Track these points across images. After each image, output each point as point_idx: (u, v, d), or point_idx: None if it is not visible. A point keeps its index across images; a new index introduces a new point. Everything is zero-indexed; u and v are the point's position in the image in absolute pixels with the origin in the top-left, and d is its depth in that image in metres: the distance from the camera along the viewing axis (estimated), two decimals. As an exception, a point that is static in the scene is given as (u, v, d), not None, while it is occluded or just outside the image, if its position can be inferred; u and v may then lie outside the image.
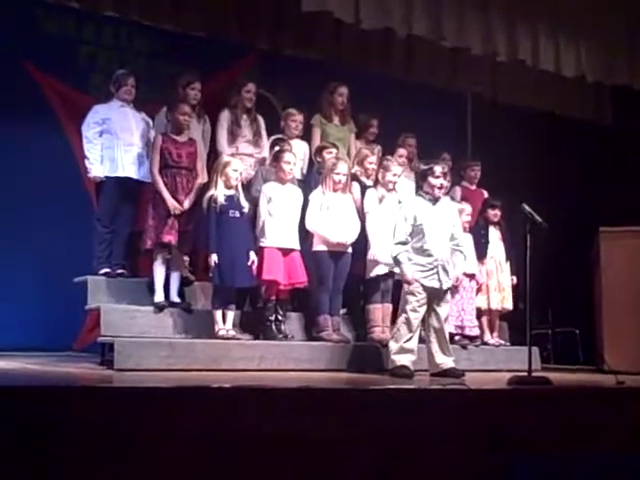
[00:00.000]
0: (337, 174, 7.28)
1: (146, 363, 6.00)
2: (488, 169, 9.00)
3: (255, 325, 7.09)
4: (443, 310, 6.69)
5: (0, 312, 7.55)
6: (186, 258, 7.16)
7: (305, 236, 7.31)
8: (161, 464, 3.77)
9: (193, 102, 7.46)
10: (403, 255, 6.58)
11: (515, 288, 8.36)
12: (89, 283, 6.88)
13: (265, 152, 7.71)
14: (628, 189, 9.56)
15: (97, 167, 7.26)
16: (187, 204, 6.93)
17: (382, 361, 6.88)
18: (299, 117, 7.88)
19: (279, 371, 6.47)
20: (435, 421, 4.57)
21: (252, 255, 6.81)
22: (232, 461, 3.91)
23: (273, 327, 7.05)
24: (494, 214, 8.42)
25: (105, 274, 7.03)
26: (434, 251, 6.59)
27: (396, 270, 6.99)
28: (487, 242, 8.33)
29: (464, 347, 7.83)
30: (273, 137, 7.82)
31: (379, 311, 7.36)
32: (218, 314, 6.70)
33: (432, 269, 6.56)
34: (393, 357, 6.55)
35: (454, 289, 7.17)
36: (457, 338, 7.85)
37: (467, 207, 8.14)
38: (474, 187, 8.91)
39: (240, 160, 7.20)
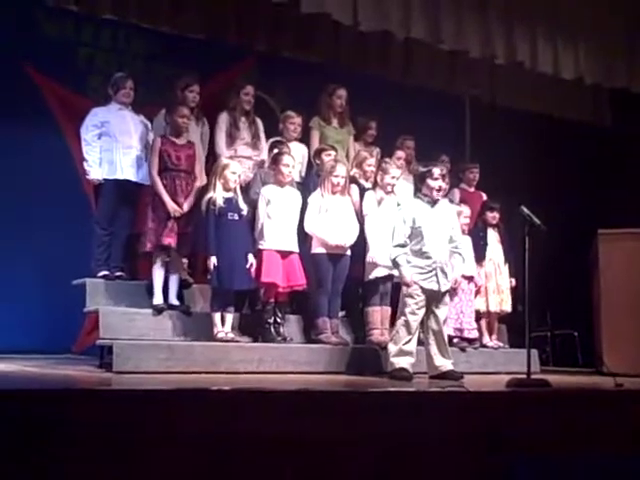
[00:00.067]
0: (336, 176, 7.28)
1: (145, 366, 6.00)
2: (486, 172, 9.00)
3: (254, 328, 7.09)
4: (442, 312, 6.68)
5: (-1, 314, 7.57)
6: (185, 261, 7.17)
7: (304, 239, 7.30)
8: (161, 466, 3.77)
9: (191, 105, 7.46)
10: (402, 257, 6.58)
11: (514, 290, 8.37)
12: (88, 286, 6.88)
13: (264, 154, 7.72)
14: (627, 192, 9.56)
15: (96, 169, 7.26)
16: (186, 207, 6.93)
17: (381, 364, 6.87)
18: (298, 119, 7.89)
19: (278, 373, 6.47)
20: (434, 423, 4.57)
21: (251, 258, 6.81)
22: (231, 463, 3.92)
23: (272, 330, 7.05)
24: (493, 216, 8.43)
25: (104, 277, 7.03)
26: (433, 253, 6.59)
27: (395, 273, 7.00)
28: (486, 244, 8.34)
29: (463, 349, 7.82)
30: (272, 140, 7.82)
31: (378, 314, 7.36)
32: (217, 317, 6.71)
33: (431, 271, 6.56)
34: (392, 359, 6.54)
35: (453, 291, 7.16)
36: (456, 340, 7.84)
37: (466, 209, 8.14)
38: (473, 189, 8.92)
39: (239, 162, 7.20)
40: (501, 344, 8.37)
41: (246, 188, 7.38)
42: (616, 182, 9.83)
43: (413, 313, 6.52)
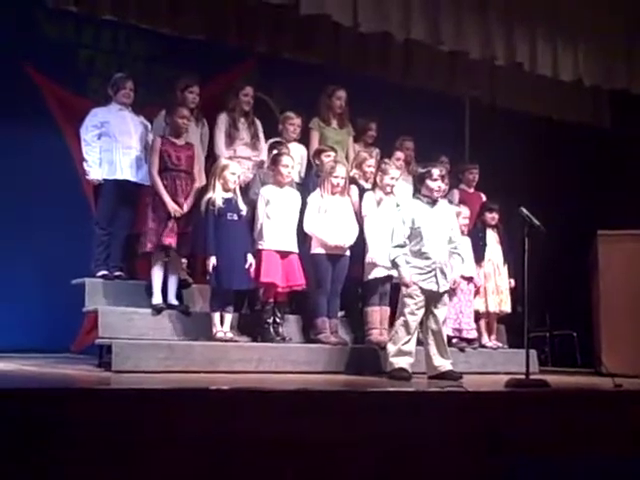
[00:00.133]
0: (335, 177, 7.30)
1: (144, 365, 6.00)
2: (486, 173, 9.01)
3: (253, 327, 7.10)
4: (441, 313, 6.69)
5: (-2, 313, 7.58)
6: (184, 261, 7.18)
7: (303, 239, 7.31)
8: (160, 466, 3.77)
9: (191, 105, 7.47)
10: (401, 258, 6.58)
11: (513, 291, 8.37)
12: (87, 285, 6.88)
13: (263, 155, 7.73)
14: (626, 194, 9.57)
15: (95, 170, 7.27)
16: (186, 207, 6.94)
17: (380, 363, 6.87)
18: (297, 120, 7.90)
19: (277, 373, 6.48)
20: (433, 424, 4.58)
21: (250, 258, 6.82)
22: (231, 463, 3.92)
23: (271, 329, 7.05)
24: (492, 217, 8.43)
25: (103, 276, 7.04)
26: (432, 254, 6.59)
27: (394, 273, 7.00)
28: (485, 245, 8.35)
29: (462, 350, 7.82)
30: (271, 140, 7.82)
31: (377, 314, 7.36)
32: (216, 316, 6.71)
33: (430, 272, 6.57)
34: (391, 359, 6.54)
35: (452, 292, 7.17)
36: (455, 341, 7.85)
37: (465, 210, 8.15)
38: (472, 190, 8.92)
39: (238, 163, 7.21)
40: (500, 344, 8.38)
41: (245, 188, 7.39)
42: (615, 184, 9.85)
43: (412, 313, 6.52)
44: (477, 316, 8.24)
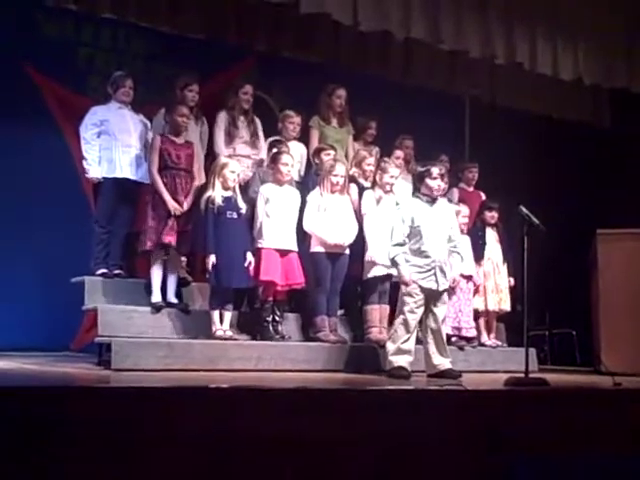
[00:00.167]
0: (335, 176, 7.30)
1: (143, 363, 6.00)
2: (486, 172, 9.01)
3: (252, 326, 7.09)
4: (440, 311, 6.69)
5: (-2, 312, 7.58)
6: (183, 259, 7.18)
7: (303, 237, 7.31)
8: (160, 464, 3.77)
9: (191, 104, 7.47)
10: (401, 257, 6.58)
11: (512, 290, 8.37)
12: (86, 283, 6.89)
13: (262, 153, 7.73)
14: (626, 192, 9.57)
15: (95, 168, 7.28)
16: (186, 205, 6.94)
17: (379, 362, 6.87)
18: (297, 119, 7.90)
19: (276, 371, 6.47)
20: (433, 422, 4.58)
21: (249, 256, 6.82)
22: (230, 461, 3.92)
23: (270, 328, 7.05)
24: (491, 216, 8.43)
25: (102, 274, 7.05)
26: (431, 252, 6.59)
27: (393, 272, 7.00)
28: (484, 244, 8.35)
29: (461, 348, 7.82)
30: (270, 139, 7.82)
31: (376, 312, 7.36)
32: (215, 315, 6.72)
33: (429, 270, 6.56)
34: (390, 358, 6.54)
35: (451, 290, 7.17)
36: (454, 339, 7.85)
37: (464, 209, 8.14)
38: (472, 189, 8.93)
39: (237, 161, 7.22)
40: (499, 343, 8.38)
41: (245, 187, 7.39)
42: (615, 182, 9.85)
43: (412, 312, 6.52)
44: (476, 315, 8.24)
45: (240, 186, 7.11)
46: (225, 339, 6.65)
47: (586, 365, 8.65)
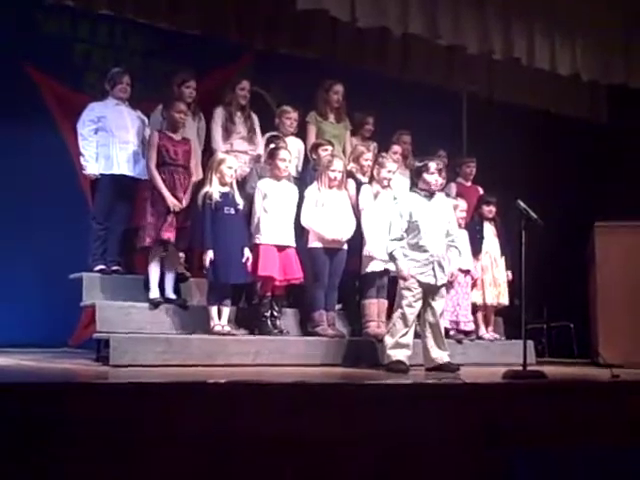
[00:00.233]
0: (333, 171, 7.31)
1: (142, 359, 6.01)
2: (483, 167, 9.02)
3: (250, 321, 7.10)
4: (439, 305, 6.69)
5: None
6: (181, 255, 7.18)
7: (301, 233, 7.32)
8: (159, 459, 3.78)
9: (188, 100, 7.47)
10: (399, 251, 6.59)
11: (510, 283, 8.38)
12: (84, 280, 6.90)
13: (260, 149, 7.73)
14: (623, 186, 9.58)
15: (92, 164, 7.28)
16: (185, 202, 6.94)
17: (377, 356, 6.88)
18: (294, 114, 7.89)
19: (275, 366, 6.48)
20: (431, 416, 4.59)
21: (247, 252, 6.83)
22: (229, 457, 3.93)
23: (268, 323, 7.06)
24: (489, 210, 8.44)
25: (100, 271, 7.05)
26: (429, 247, 6.60)
27: (391, 266, 7.00)
28: (482, 238, 8.36)
29: (459, 342, 7.84)
30: (268, 134, 7.82)
31: (374, 306, 7.37)
32: (213, 310, 6.72)
33: (427, 265, 6.57)
34: (389, 352, 6.55)
35: (449, 284, 7.18)
36: (452, 333, 7.87)
37: (462, 203, 8.16)
38: (469, 183, 8.94)
39: (235, 157, 7.22)
40: (497, 336, 8.40)
41: (242, 182, 7.40)
42: (613, 176, 9.86)
43: (410, 306, 6.53)
44: (474, 308, 8.26)
45: (237, 182, 7.12)
46: (223, 334, 6.65)
47: (584, 358, 8.66)
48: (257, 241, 7.06)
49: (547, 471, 4.73)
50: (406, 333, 6.54)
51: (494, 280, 8.34)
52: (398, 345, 6.53)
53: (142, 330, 6.52)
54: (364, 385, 5.14)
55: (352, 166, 7.78)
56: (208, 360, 6.28)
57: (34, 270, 7.93)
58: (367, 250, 7.34)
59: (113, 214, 7.26)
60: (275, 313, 7.12)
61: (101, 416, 3.72)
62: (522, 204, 6.21)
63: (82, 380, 4.95)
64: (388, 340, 6.59)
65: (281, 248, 7.11)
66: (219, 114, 7.65)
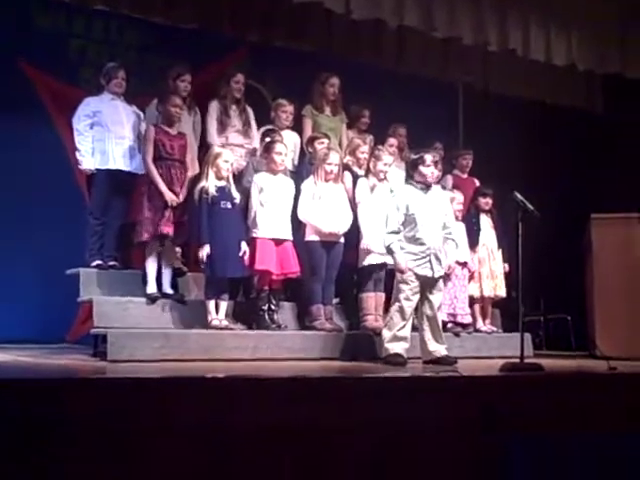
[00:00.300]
0: (329, 164, 7.30)
1: (139, 354, 6.00)
2: (480, 159, 9.00)
3: (248, 315, 7.11)
4: (436, 298, 6.70)
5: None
6: (178, 249, 7.18)
7: (297, 226, 7.31)
8: (158, 454, 3.78)
9: (183, 94, 7.46)
10: (396, 244, 6.58)
11: (507, 276, 8.39)
12: (81, 275, 6.89)
13: (255, 143, 7.72)
14: (619, 177, 9.58)
15: (88, 159, 7.27)
16: (182, 196, 6.94)
17: (375, 349, 6.89)
18: (289, 108, 7.89)
19: (273, 361, 6.48)
20: (429, 409, 4.59)
21: (244, 246, 6.83)
22: (227, 451, 3.93)
23: (266, 317, 7.07)
24: (485, 202, 8.44)
25: (97, 266, 7.04)
26: (426, 240, 6.60)
27: (388, 260, 7.00)
28: (479, 230, 8.36)
29: (457, 334, 7.84)
30: (263, 128, 7.81)
31: (372, 300, 7.38)
32: (211, 304, 6.73)
33: (424, 257, 6.57)
34: (386, 345, 6.56)
35: (446, 277, 7.18)
36: (449, 326, 7.86)
37: (459, 195, 8.16)
38: (466, 176, 8.92)
39: (230, 151, 7.21)
40: (495, 329, 8.40)
41: (239, 176, 7.40)
42: (608, 167, 9.86)
43: (407, 299, 6.53)
44: (471, 301, 8.26)
45: (234, 176, 7.11)
46: (221, 329, 6.66)
47: (581, 350, 8.67)
48: (254, 235, 7.06)
49: (543, 457, 4.74)
50: (404, 326, 6.54)
51: (491, 272, 8.34)
52: (396, 338, 6.54)
53: (139, 325, 6.52)
54: (362, 378, 5.15)
55: (348, 159, 7.77)
56: (206, 355, 6.27)
57: (31, 266, 7.89)
58: (364, 243, 7.34)
59: (109, 209, 7.25)
60: (273, 307, 7.12)
61: (99, 412, 3.72)
62: (519, 196, 6.21)
63: (80, 376, 4.95)
64: (386, 333, 6.60)
65: (278, 242, 7.11)
66: (214, 107, 7.63)
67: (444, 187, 8.13)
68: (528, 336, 7.61)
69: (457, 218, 7.83)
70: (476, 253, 8.30)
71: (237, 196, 6.95)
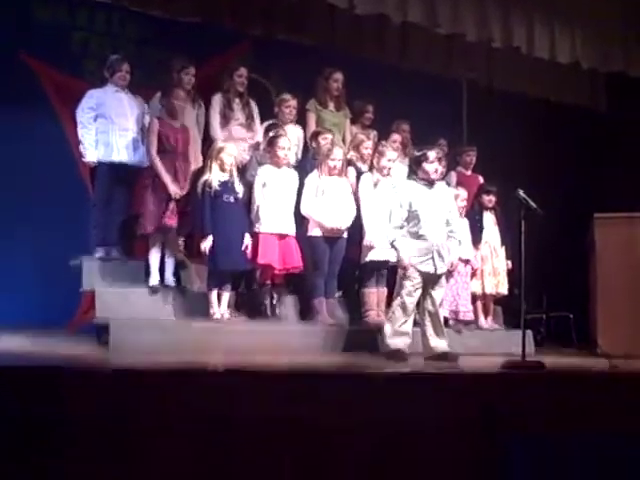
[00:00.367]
0: (332, 160, 7.31)
1: (141, 344, 5.99)
2: (484, 156, 8.98)
3: (250, 308, 7.12)
4: (438, 294, 6.69)
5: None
6: (181, 241, 7.18)
7: (301, 221, 7.31)
8: (159, 454, 3.79)
9: (187, 87, 7.47)
10: (399, 240, 6.58)
11: (510, 273, 8.37)
12: (84, 266, 6.93)
13: (259, 136, 7.71)
14: (623, 176, 9.58)
15: (91, 152, 7.28)
16: (185, 189, 6.95)
17: (377, 344, 6.86)
18: (293, 102, 7.86)
19: (274, 354, 6.46)
20: (430, 405, 4.58)
21: (247, 238, 6.83)
22: (227, 443, 3.93)
23: (268, 310, 7.08)
24: (489, 199, 8.42)
25: (100, 257, 7.07)
26: (429, 236, 6.59)
27: (391, 255, 6.99)
28: (482, 227, 8.34)
29: (458, 331, 7.82)
30: (267, 122, 7.80)
31: (374, 295, 7.38)
32: (213, 296, 6.74)
33: (427, 254, 6.56)
34: (388, 340, 6.55)
35: (449, 274, 7.17)
36: (451, 323, 7.86)
37: (462, 192, 8.14)
38: (469, 172, 8.91)
39: (234, 144, 7.20)
40: (496, 326, 8.38)
41: (242, 170, 7.39)
42: (612, 165, 9.85)
43: (409, 295, 6.53)
44: (474, 298, 8.24)
45: (237, 169, 7.11)
46: (223, 320, 6.67)
47: (583, 347, 8.66)
48: (257, 229, 7.06)
49: (543, 457, 4.74)
50: (405, 322, 6.54)
51: (494, 270, 8.32)
52: (397, 334, 6.54)
53: (142, 316, 6.53)
54: (363, 374, 5.15)
55: (352, 154, 7.77)
56: (207, 346, 6.25)
57: (34, 257, 7.92)
58: (367, 239, 7.33)
59: (113, 201, 7.27)
60: (274, 301, 7.13)
61: (99, 400, 3.73)
62: (522, 193, 6.20)
63: (81, 365, 4.95)
64: (387, 329, 6.59)
65: (281, 237, 7.11)
66: (217, 101, 7.63)
67: (448, 184, 8.10)
68: (530, 333, 7.60)
69: (461, 215, 7.82)
70: (479, 250, 8.29)
71: (240, 190, 6.95)
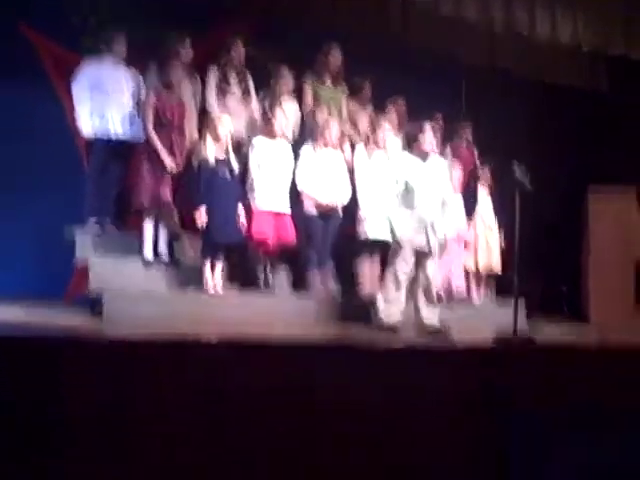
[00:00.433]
0: (329, 134, 7.32)
1: (135, 316, 5.98)
2: (486, 134, 8.97)
3: (244, 279, 7.14)
4: (431, 267, 6.72)
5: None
6: (175, 214, 7.20)
7: (296, 196, 7.33)
8: (151, 419, 3.84)
9: (184, 61, 7.45)
10: (393, 214, 6.60)
11: (503, 249, 8.38)
12: (78, 237, 6.94)
13: (255, 111, 7.70)
14: (621, 155, 9.58)
15: (87, 124, 7.27)
16: (181, 162, 6.96)
17: (369, 317, 6.88)
18: (289, 76, 7.86)
19: (267, 325, 6.49)
20: (421, 378, 4.62)
21: (241, 211, 6.84)
22: (220, 414, 3.98)
23: (261, 282, 7.11)
24: (484, 175, 8.44)
25: (95, 229, 7.08)
26: (423, 210, 6.61)
27: (385, 230, 7.01)
28: (476, 202, 8.36)
29: (451, 306, 7.85)
30: (263, 95, 7.80)
31: (367, 268, 7.42)
32: (207, 268, 6.76)
33: (421, 227, 6.59)
34: (380, 312, 6.60)
35: (442, 248, 7.19)
36: (444, 296, 7.86)
37: (457, 166, 8.14)
38: (465, 147, 8.89)
39: (229, 117, 7.20)
40: (489, 301, 8.42)
41: (238, 146, 7.38)
42: (612, 146, 9.85)
43: (402, 268, 6.56)
44: (467, 273, 8.28)
45: (233, 146, 7.11)
46: (216, 292, 6.70)
47: (575, 319, 8.68)
48: (252, 203, 7.07)
49: (542, 432, 4.77)
50: (398, 294, 6.57)
51: (487, 245, 8.35)
52: (390, 307, 6.57)
53: (135, 287, 6.55)
54: (355, 345, 5.17)
55: (348, 130, 7.78)
56: (201, 318, 6.27)
57: (29, 228, 7.91)
58: (361, 213, 7.36)
59: (108, 173, 7.26)
60: (268, 272, 7.15)
61: (94, 370, 3.76)
62: (517, 169, 6.21)
63: (76, 336, 4.97)
64: (380, 301, 6.63)
65: (277, 214, 7.14)
66: (213, 74, 7.61)
67: (443, 158, 8.11)
68: (522, 302, 7.60)
69: (455, 189, 7.83)
70: (473, 225, 8.31)
71: (236, 166, 6.96)
